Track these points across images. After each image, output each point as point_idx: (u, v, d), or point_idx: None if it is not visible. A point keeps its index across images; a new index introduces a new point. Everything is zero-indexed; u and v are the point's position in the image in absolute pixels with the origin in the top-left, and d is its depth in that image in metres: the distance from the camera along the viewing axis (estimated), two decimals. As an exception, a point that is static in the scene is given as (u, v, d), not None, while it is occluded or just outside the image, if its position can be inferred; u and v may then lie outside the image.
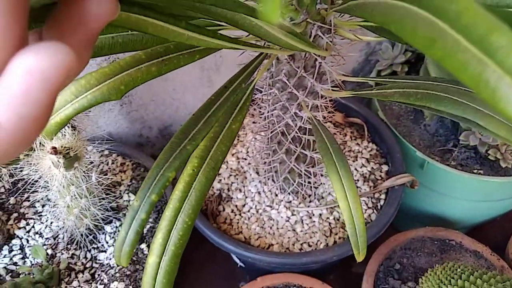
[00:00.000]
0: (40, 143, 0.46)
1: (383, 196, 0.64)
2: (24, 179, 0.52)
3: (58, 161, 0.42)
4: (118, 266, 0.57)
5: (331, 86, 0.49)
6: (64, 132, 0.43)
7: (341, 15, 0.44)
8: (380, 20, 0.25)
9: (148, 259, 0.36)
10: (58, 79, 0.14)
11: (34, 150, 0.47)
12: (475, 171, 0.66)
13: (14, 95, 0.14)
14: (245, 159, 0.69)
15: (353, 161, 0.69)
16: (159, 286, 0.37)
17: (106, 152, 0.66)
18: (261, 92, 0.52)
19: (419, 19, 0.20)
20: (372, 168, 0.68)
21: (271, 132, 0.55)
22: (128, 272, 0.56)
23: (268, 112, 0.53)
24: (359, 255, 0.40)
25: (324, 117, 0.53)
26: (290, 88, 0.48)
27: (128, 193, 0.64)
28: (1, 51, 0.14)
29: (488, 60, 0.15)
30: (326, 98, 0.51)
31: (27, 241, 0.59)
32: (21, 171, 0.50)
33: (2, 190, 0.63)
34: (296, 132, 0.53)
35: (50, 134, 0.37)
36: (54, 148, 0.40)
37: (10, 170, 0.49)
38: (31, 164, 0.48)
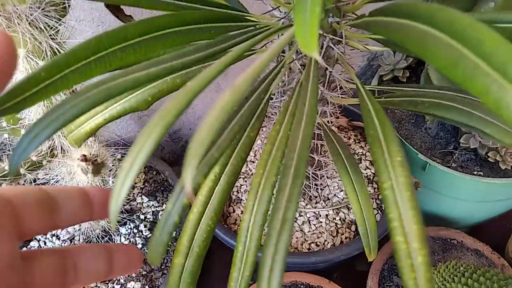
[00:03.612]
0: (62, 149, 0.48)
1: (387, 198, 0.66)
2: (42, 183, 0.53)
3: (87, 168, 0.44)
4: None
5: (340, 93, 0.52)
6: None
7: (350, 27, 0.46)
8: (398, 39, 0.27)
9: (174, 260, 0.38)
10: None
11: (56, 156, 0.48)
12: (475, 172, 0.69)
13: None
14: (253, 162, 0.71)
15: (358, 164, 0.71)
16: (184, 286, 0.39)
17: (119, 156, 0.68)
18: (272, 99, 0.55)
19: (440, 43, 0.22)
20: (376, 170, 0.70)
21: (281, 137, 0.57)
22: (144, 272, 0.58)
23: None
24: (371, 255, 0.42)
25: (331, 122, 0.56)
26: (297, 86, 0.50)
27: (141, 196, 0.66)
28: None
29: (508, 85, 0.17)
30: (334, 104, 0.53)
31: (45, 243, 0.61)
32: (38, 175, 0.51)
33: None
34: (306, 137, 0.55)
35: (79, 142, 0.39)
36: (84, 155, 0.42)
37: (34, 175, 0.51)
38: (51, 169, 0.50)
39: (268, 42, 0.46)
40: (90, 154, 0.43)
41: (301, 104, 0.33)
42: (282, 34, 0.44)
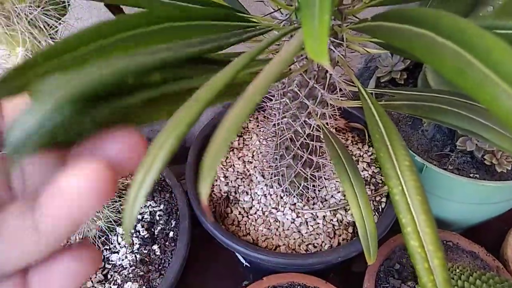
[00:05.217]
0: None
1: (384, 199, 0.67)
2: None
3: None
4: (131, 266, 0.59)
5: (340, 95, 0.52)
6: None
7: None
8: (403, 45, 0.27)
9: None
10: None
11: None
12: (471, 175, 0.69)
13: None
14: (251, 162, 0.71)
15: (357, 167, 0.71)
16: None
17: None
18: (271, 100, 0.54)
19: (447, 50, 0.22)
20: (373, 172, 0.70)
21: (280, 139, 0.57)
22: (141, 273, 0.58)
23: (278, 119, 0.55)
24: (370, 258, 0.42)
25: (330, 124, 0.56)
26: (301, 98, 0.50)
27: (138, 196, 0.65)
28: None
29: (518, 96, 0.17)
30: (334, 106, 0.53)
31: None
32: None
33: (14, 192, 0.65)
34: (305, 138, 0.55)
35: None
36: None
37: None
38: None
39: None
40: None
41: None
42: (290, 36, 0.43)
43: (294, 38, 0.22)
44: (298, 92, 0.50)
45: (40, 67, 0.20)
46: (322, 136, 0.54)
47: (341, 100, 0.51)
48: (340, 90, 0.52)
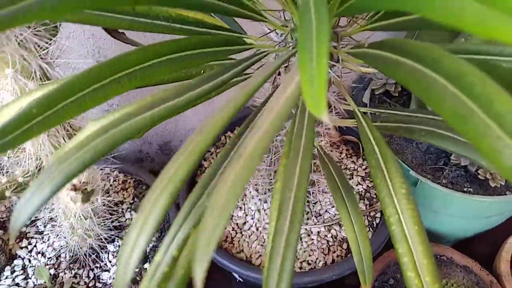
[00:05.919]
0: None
1: (378, 215, 0.66)
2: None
3: (76, 196, 0.43)
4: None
5: (334, 113, 0.51)
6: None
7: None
8: (401, 79, 0.26)
9: None
10: None
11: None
12: (465, 189, 0.69)
13: None
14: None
15: (349, 179, 0.71)
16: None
17: (107, 169, 0.67)
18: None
19: (447, 93, 0.22)
20: (368, 186, 0.70)
21: (274, 156, 0.57)
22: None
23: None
24: (365, 283, 0.41)
25: (324, 136, 0.55)
26: (296, 116, 0.49)
27: (130, 211, 0.64)
28: None
29: (523, 155, 0.17)
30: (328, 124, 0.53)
31: (29, 261, 0.59)
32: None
33: (3, 208, 0.64)
34: (299, 156, 0.54)
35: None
36: (73, 185, 0.41)
37: (15, 194, 0.49)
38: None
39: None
40: (80, 182, 0.42)
41: (297, 138, 0.32)
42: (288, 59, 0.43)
43: (289, 84, 0.21)
44: (293, 111, 0.49)
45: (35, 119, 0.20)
46: (316, 154, 0.53)
47: (336, 118, 0.51)
48: (335, 107, 0.51)
